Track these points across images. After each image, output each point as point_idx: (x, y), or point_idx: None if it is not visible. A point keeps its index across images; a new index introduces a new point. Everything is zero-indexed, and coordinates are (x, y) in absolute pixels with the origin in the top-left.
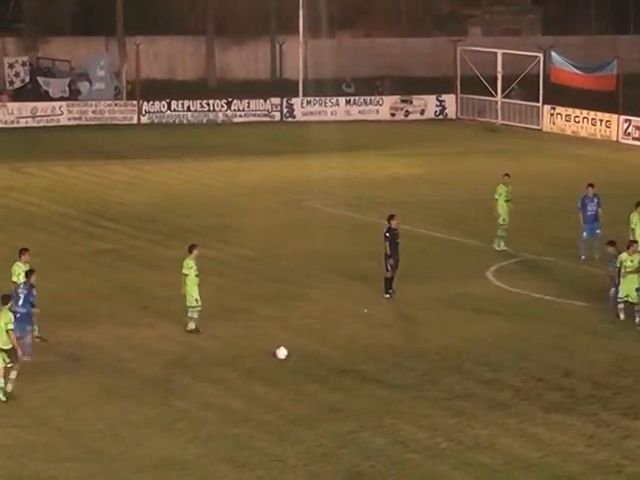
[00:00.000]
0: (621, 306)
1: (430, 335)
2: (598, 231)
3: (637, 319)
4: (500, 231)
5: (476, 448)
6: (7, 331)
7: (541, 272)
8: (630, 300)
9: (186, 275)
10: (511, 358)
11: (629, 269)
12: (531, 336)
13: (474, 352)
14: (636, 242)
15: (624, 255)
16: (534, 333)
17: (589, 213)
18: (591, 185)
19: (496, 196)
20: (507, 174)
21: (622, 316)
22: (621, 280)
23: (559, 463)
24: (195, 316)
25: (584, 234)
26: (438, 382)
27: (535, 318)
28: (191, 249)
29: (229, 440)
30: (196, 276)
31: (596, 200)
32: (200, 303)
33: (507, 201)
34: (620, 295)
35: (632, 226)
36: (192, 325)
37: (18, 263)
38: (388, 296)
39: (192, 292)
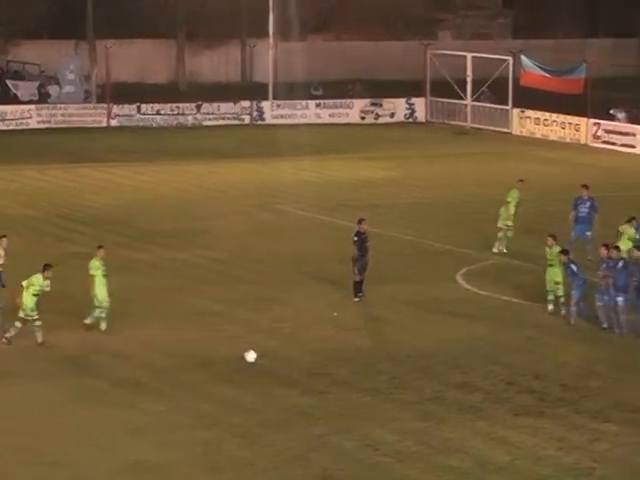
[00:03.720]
0: (550, 298)
1: (400, 338)
2: (588, 233)
3: (562, 311)
4: (502, 233)
5: (446, 451)
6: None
7: (511, 275)
8: (556, 293)
9: (93, 276)
10: (481, 361)
11: (550, 262)
12: (501, 339)
13: (444, 355)
14: (553, 236)
15: (546, 248)
16: (504, 336)
17: (580, 215)
18: (585, 187)
19: (509, 199)
20: (521, 180)
21: (550, 307)
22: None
23: (529, 466)
24: (103, 315)
25: (572, 234)
26: (408, 385)
27: (505, 321)
28: (98, 249)
29: (199, 444)
30: (104, 276)
31: (589, 203)
32: (108, 304)
33: (516, 206)
34: (547, 288)
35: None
36: (104, 325)
37: None
38: (358, 299)
39: (100, 292)
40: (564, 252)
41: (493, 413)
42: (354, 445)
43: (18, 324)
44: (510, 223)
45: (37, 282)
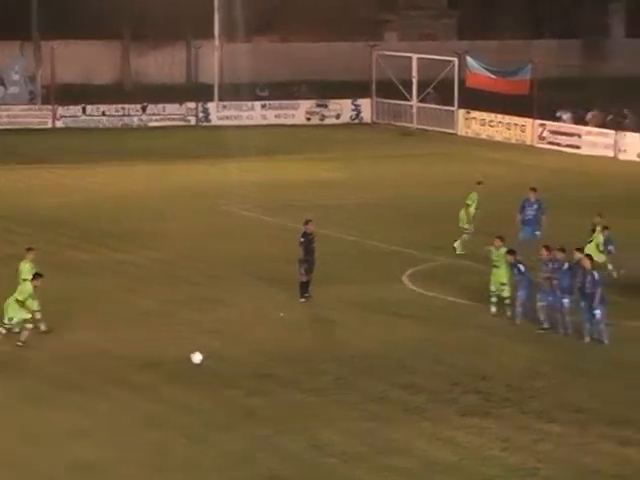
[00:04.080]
0: (493, 299)
1: (345, 339)
2: (537, 233)
3: (508, 312)
4: (466, 236)
5: (391, 452)
6: None
7: (457, 276)
8: (501, 295)
9: (25, 280)
10: (426, 362)
11: (495, 263)
12: (446, 340)
13: (389, 356)
14: (501, 237)
15: (492, 248)
16: (449, 337)
17: (527, 217)
18: (533, 189)
19: (469, 202)
20: (480, 182)
21: (493, 309)
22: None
23: (475, 466)
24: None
25: (520, 235)
26: (353, 386)
27: (450, 322)
28: (27, 252)
29: (146, 444)
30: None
31: (536, 205)
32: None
33: (476, 209)
34: (491, 290)
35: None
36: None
37: None
38: (304, 300)
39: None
40: (511, 252)
41: (438, 414)
42: (300, 446)
43: (29, 326)
44: (467, 226)
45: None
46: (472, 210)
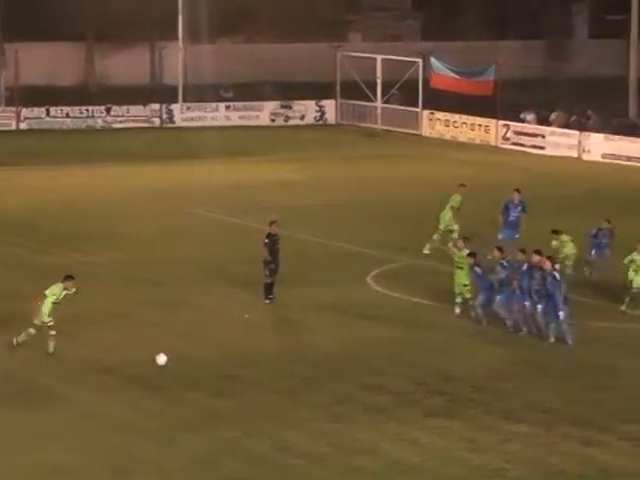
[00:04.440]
0: (458, 300)
1: (310, 340)
2: (517, 236)
3: (472, 314)
4: (437, 237)
5: (356, 453)
6: None
7: (422, 277)
8: (465, 296)
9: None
10: (391, 363)
11: (458, 264)
12: (411, 341)
13: (354, 357)
14: (466, 238)
15: (455, 250)
16: (414, 338)
17: (511, 218)
18: (517, 190)
19: (453, 204)
20: (462, 184)
21: (457, 310)
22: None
23: (440, 467)
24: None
25: (499, 236)
26: (318, 387)
27: (415, 323)
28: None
29: (110, 447)
30: None
31: (520, 207)
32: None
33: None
34: (455, 291)
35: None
36: None
37: None
38: (268, 302)
39: None
40: (471, 255)
41: (403, 414)
42: (265, 447)
43: (32, 331)
44: (442, 228)
45: (57, 291)
46: (450, 212)
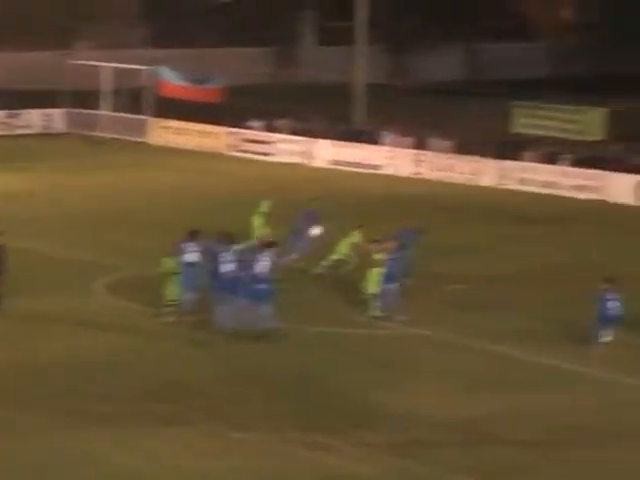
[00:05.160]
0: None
1: (37, 351)
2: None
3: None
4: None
5: (81, 462)
6: None
7: (152, 286)
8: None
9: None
10: (120, 372)
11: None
12: (141, 350)
13: (82, 367)
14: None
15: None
16: (144, 347)
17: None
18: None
19: (263, 209)
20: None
21: (170, 319)
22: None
23: (167, 475)
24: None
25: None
26: (45, 398)
27: (146, 332)
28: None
29: None
30: None
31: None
32: None
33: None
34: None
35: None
36: None
37: None
38: None
39: None
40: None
41: (133, 423)
42: None
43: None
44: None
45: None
46: (260, 219)
